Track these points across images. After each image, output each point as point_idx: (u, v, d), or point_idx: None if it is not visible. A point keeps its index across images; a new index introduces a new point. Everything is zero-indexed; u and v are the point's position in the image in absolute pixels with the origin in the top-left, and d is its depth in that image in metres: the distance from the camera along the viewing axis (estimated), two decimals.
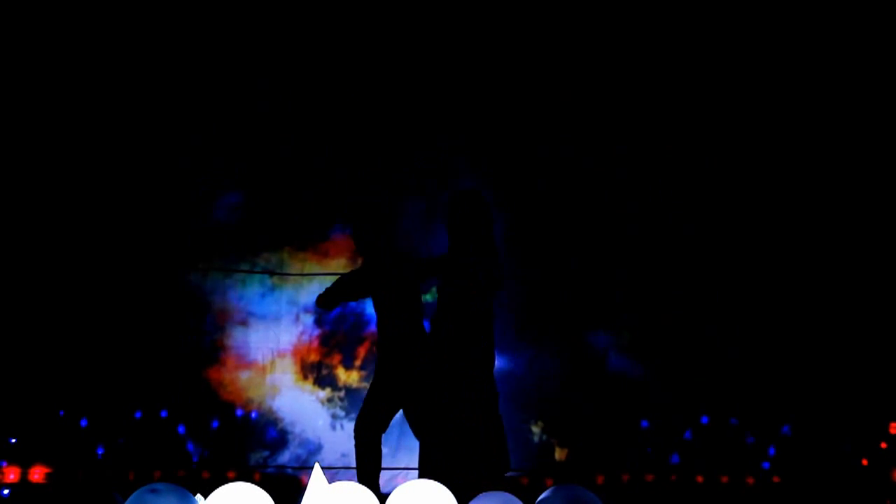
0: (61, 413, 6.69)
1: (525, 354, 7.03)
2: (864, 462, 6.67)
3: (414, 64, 7.25)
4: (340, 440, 6.77)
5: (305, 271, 7.14)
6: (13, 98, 6.81)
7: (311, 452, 6.92)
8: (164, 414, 6.82)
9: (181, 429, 6.83)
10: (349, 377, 7.04)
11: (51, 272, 6.80)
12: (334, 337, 7.08)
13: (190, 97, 7.11)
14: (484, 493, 3.70)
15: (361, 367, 6.99)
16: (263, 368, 7.04)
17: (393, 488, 3.76)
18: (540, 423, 7.03)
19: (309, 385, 7.04)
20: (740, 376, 7.00)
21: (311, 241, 7.18)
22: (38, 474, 6.45)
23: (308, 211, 7.17)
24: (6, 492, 6.20)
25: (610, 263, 7.17)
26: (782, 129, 7.20)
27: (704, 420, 7.00)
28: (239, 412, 6.93)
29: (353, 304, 6.86)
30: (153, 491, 3.36)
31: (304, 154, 7.20)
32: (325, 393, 7.03)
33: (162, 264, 7.00)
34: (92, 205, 6.93)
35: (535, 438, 7.02)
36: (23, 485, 6.36)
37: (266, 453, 6.93)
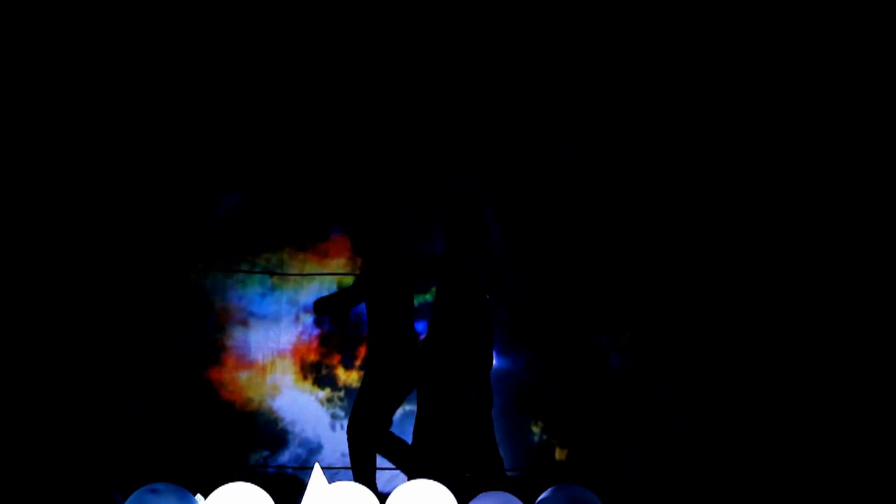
0: (61, 413, 6.69)
1: (525, 354, 7.03)
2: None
3: (414, 64, 7.25)
4: (340, 440, 6.76)
5: (305, 271, 7.15)
6: (13, 98, 6.81)
7: (312, 452, 6.93)
8: (163, 414, 6.82)
9: (181, 429, 6.83)
10: (349, 377, 7.05)
11: (50, 272, 6.79)
12: (334, 337, 7.08)
13: (190, 97, 7.10)
14: (484, 493, 3.70)
15: (361, 367, 7.00)
16: (263, 368, 7.04)
17: (393, 488, 3.76)
18: (540, 423, 7.03)
19: (309, 385, 7.05)
20: (740, 376, 7.00)
21: (311, 241, 7.18)
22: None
23: (308, 211, 7.17)
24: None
25: (610, 263, 7.16)
26: (782, 129, 7.19)
27: (704, 420, 7.00)
28: (239, 412, 6.94)
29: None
30: (153, 491, 3.37)
31: (304, 154, 7.20)
32: (324, 393, 7.04)
33: (162, 264, 6.99)
34: (91, 205, 6.92)
35: (535, 438, 7.02)
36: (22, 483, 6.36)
37: (266, 453, 6.94)
